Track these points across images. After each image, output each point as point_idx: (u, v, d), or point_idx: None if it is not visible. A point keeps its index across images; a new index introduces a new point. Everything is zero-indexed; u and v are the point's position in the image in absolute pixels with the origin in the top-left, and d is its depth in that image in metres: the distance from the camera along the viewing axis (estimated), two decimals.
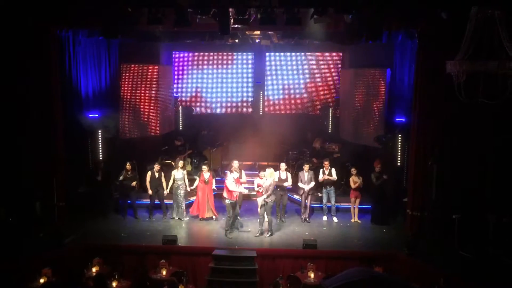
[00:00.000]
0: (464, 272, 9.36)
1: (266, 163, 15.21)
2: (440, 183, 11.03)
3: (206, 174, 12.54)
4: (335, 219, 12.82)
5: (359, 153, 14.38)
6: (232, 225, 11.71)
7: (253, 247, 10.83)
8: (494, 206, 10.26)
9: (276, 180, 12.12)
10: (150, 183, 12.59)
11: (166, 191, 12.63)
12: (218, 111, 17.76)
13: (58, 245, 10.57)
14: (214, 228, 12.19)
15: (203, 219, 12.62)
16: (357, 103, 15.35)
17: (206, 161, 14.29)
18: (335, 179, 12.66)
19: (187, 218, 12.68)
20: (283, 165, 12.58)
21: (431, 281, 9.00)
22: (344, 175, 13.68)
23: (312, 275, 9.32)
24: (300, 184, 12.55)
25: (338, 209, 13.09)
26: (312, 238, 11.10)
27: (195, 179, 13.03)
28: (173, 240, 10.84)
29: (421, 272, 9.80)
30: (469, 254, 9.83)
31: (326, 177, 12.56)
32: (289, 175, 12.47)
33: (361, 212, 12.83)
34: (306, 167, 12.60)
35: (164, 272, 9.49)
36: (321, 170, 12.73)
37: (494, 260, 9.59)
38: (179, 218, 12.65)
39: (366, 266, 9.50)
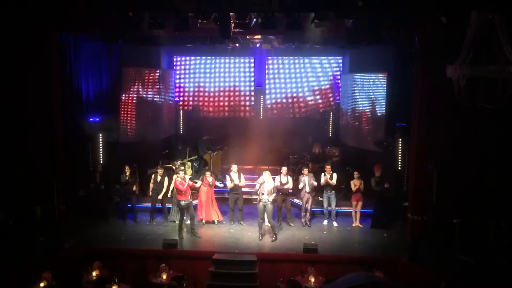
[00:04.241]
0: (465, 276, 9.32)
1: (266, 167, 15.19)
2: (440, 187, 11.02)
3: (209, 178, 12.58)
4: (335, 224, 12.77)
5: (360, 157, 14.34)
6: (192, 228, 11.67)
7: (254, 251, 10.82)
8: (494, 210, 10.25)
9: (278, 184, 12.10)
10: (152, 186, 12.61)
11: (167, 194, 12.62)
12: (219, 115, 17.78)
13: (58, 248, 10.56)
14: (214, 232, 12.17)
15: (208, 222, 12.63)
16: (358, 107, 15.35)
17: (207, 167, 14.39)
18: (334, 184, 12.63)
19: (188, 221, 12.64)
20: (284, 169, 12.56)
21: (432, 286, 8.97)
22: (344, 179, 13.63)
23: (312, 280, 9.30)
24: (301, 186, 12.53)
25: (338, 213, 13.05)
26: (312, 242, 11.08)
27: (196, 182, 13.01)
28: (173, 244, 10.83)
29: (422, 276, 9.75)
30: (469, 259, 9.80)
31: (327, 179, 12.52)
32: (290, 178, 12.45)
33: (362, 216, 12.78)
34: (305, 170, 12.60)
35: (164, 276, 9.47)
36: (323, 173, 12.71)
37: (494, 265, 9.56)
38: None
39: (367, 271, 9.45)
